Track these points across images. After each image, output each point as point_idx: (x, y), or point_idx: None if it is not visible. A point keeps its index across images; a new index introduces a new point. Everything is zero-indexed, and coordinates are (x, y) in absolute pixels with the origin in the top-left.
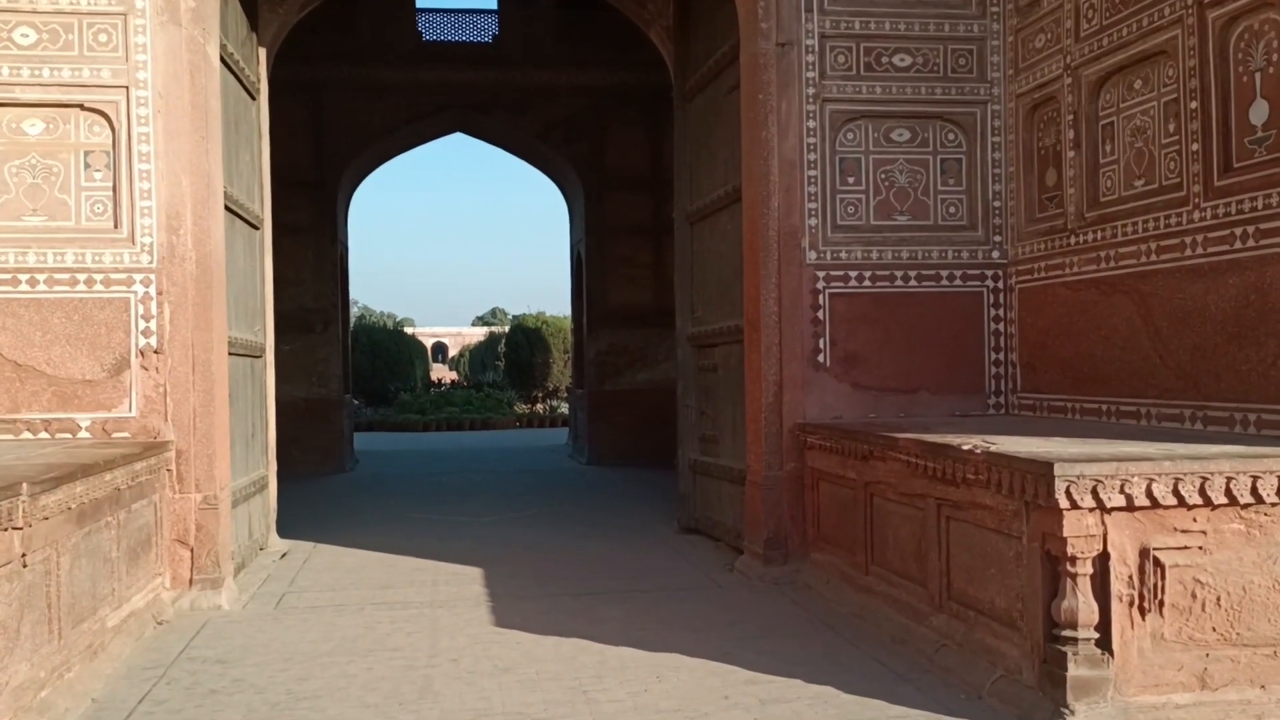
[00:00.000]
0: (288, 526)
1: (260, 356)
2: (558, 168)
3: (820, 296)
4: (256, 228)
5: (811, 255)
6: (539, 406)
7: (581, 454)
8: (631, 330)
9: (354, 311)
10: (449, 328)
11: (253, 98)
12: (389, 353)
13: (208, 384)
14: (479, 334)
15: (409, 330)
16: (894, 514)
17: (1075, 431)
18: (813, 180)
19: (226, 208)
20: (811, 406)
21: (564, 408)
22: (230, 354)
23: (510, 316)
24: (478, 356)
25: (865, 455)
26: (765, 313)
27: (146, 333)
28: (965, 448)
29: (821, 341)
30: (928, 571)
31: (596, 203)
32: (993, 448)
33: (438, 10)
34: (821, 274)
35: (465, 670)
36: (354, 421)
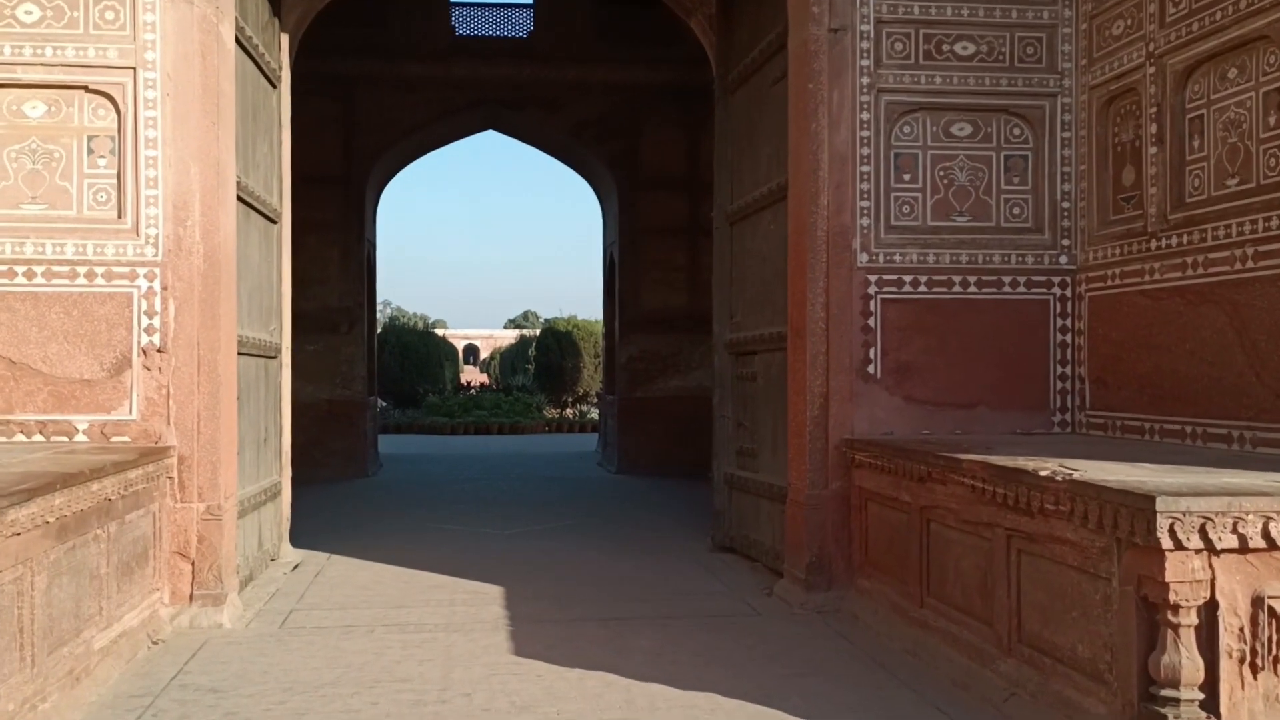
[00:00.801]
0: (303, 535)
1: (275, 357)
2: (591, 167)
3: (871, 302)
4: (274, 222)
5: (863, 258)
6: (568, 411)
7: (611, 462)
8: (664, 335)
9: (387, 313)
10: (481, 330)
11: (273, 85)
12: (418, 354)
13: (214, 386)
14: (510, 336)
15: (440, 332)
16: (955, 543)
17: (1161, 456)
18: (865, 177)
19: (240, 199)
20: (860, 421)
21: (594, 413)
22: (241, 354)
23: (542, 320)
24: (508, 359)
25: (922, 477)
26: (812, 319)
27: (149, 330)
28: (1043, 473)
29: (872, 351)
30: (994, 610)
31: (630, 203)
32: (1075, 474)
33: (472, 4)
34: (873, 278)
35: (479, 707)
36: (379, 424)
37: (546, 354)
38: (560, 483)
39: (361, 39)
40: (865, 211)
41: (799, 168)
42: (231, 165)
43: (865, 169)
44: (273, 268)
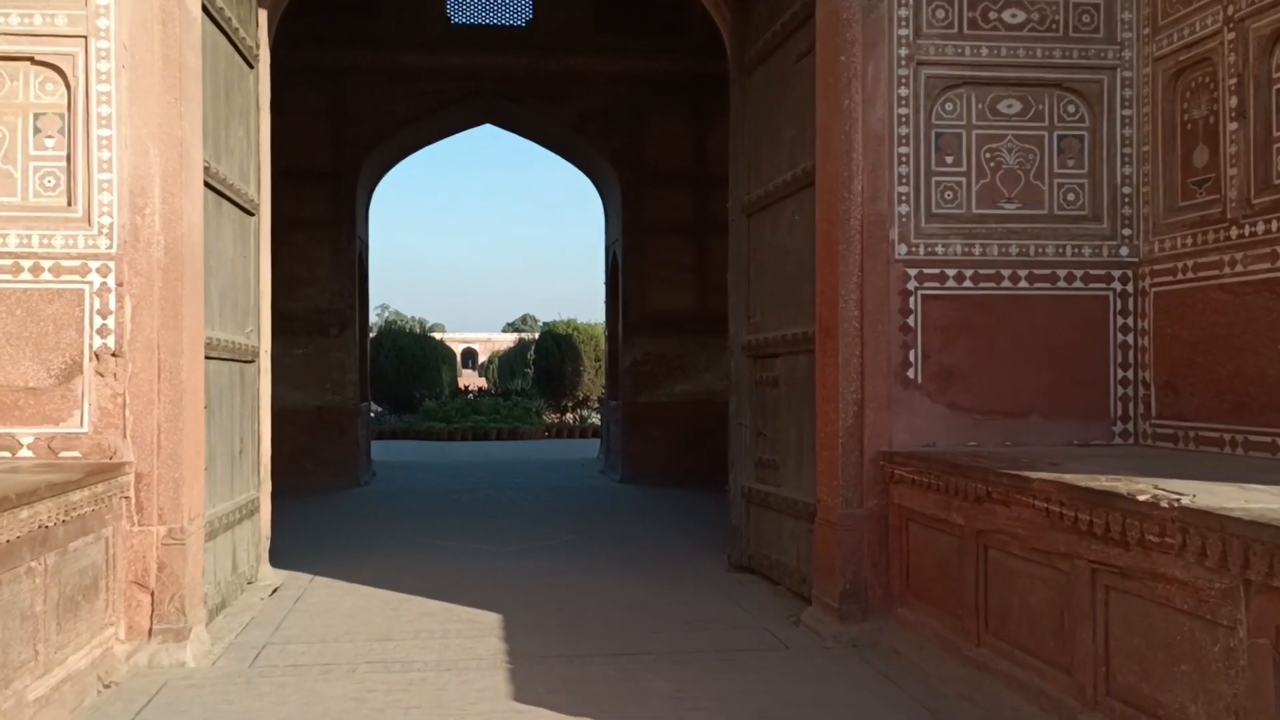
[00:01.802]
0: (286, 553)
1: (252, 361)
2: (593, 162)
3: (911, 299)
4: (251, 214)
5: (901, 249)
6: (568, 416)
7: (614, 470)
8: (670, 338)
9: (385, 316)
10: (479, 333)
11: (250, 65)
12: (414, 358)
13: (176, 393)
14: (509, 340)
15: (438, 336)
16: (1021, 574)
17: (1265, 475)
18: (904, 159)
19: (210, 186)
20: (899, 431)
21: (594, 418)
22: (211, 358)
23: (540, 323)
24: (506, 363)
25: (980, 497)
26: (844, 318)
27: (103, 331)
28: (1142, 498)
29: (912, 354)
30: (1075, 655)
31: (634, 200)
32: (1183, 499)
33: None
34: (913, 272)
35: None
36: (372, 431)
37: (546, 358)
38: (562, 493)
39: (351, 27)
40: (904, 198)
41: (829, 150)
42: (197, 147)
43: (904, 150)
44: (249, 264)
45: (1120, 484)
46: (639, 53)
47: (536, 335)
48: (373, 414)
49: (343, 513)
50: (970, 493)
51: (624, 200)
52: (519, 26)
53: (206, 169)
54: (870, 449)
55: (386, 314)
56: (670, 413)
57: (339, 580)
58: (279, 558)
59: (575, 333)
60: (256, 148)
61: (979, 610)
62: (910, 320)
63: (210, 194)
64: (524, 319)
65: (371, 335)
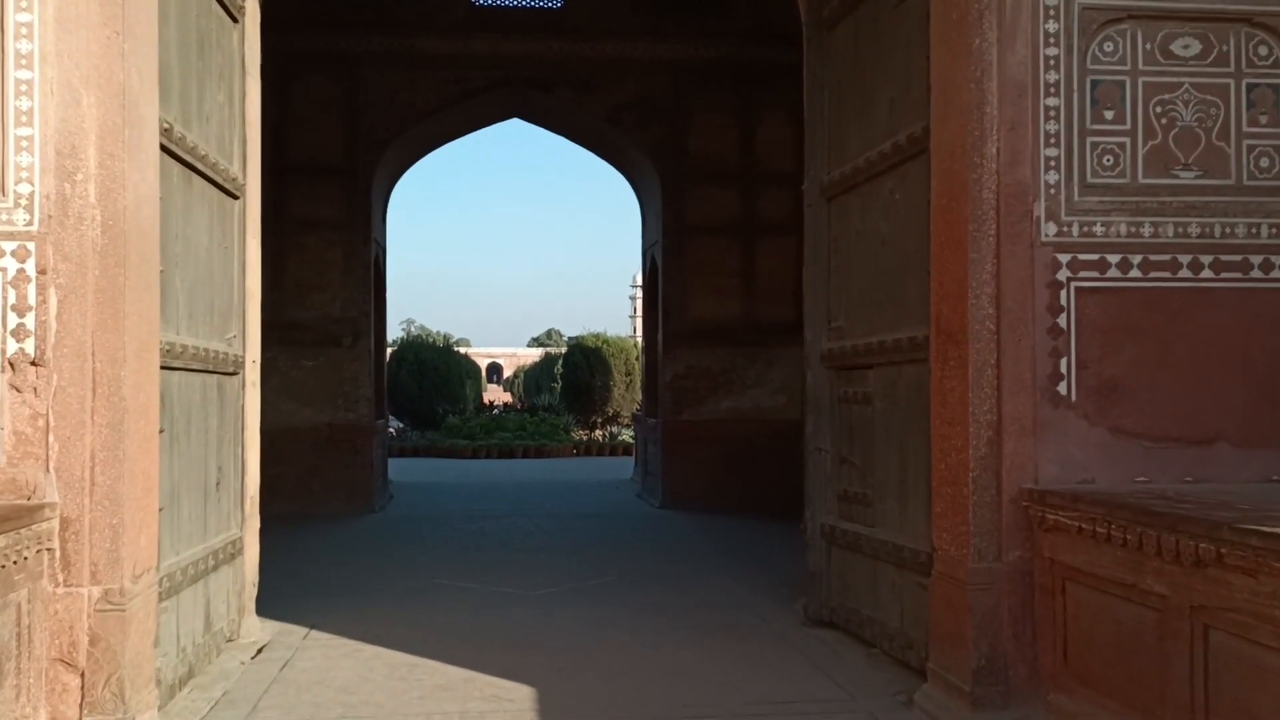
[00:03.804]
0: (282, 597)
1: (235, 374)
2: (629, 157)
3: (1062, 293)
4: (235, 196)
5: (1049, 229)
6: (598, 433)
7: (653, 495)
8: (715, 349)
9: (410, 330)
10: (504, 348)
11: (234, 19)
12: (437, 372)
13: (116, 413)
14: (534, 355)
15: (464, 350)
16: (1275, 674)
17: None
18: (1051, 114)
19: (174, 155)
20: (1046, 463)
21: (625, 435)
22: (174, 368)
23: (566, 338)
24: (532, 378)
25: (1201, 559)
26: (975, 318)
27: (19, 333)
28: None
29: (1064, 363)
30: None
31: (675, 198)
32: None
33: None
34: (1064, 258)
35: None
36: (389, 450)
37: (574, 372)
38: (596, 520)
39: (367, 10)
40: (1052, 163)
41: (951, 105)
42: (150, 100)
43: (1051, 102)
44: (232, 256)
45: None
46: (680, 38)
47: (563, 350)
48: (393, 431)
49: (352, 545)
50: (1184, 552)
51: (664, 199)
52: (550, 8)
53: (167, 131)
54: (1010, 486)
55: (412, 328)
56: (715, 432)
57: (339, 636)
58: (272, 603)
59: (604, 346)
60: (242, 119)
61: (1193, 713)
62: (1061, 320)
63: (175, 165)
64: (549, 333)
65: (393, 349)
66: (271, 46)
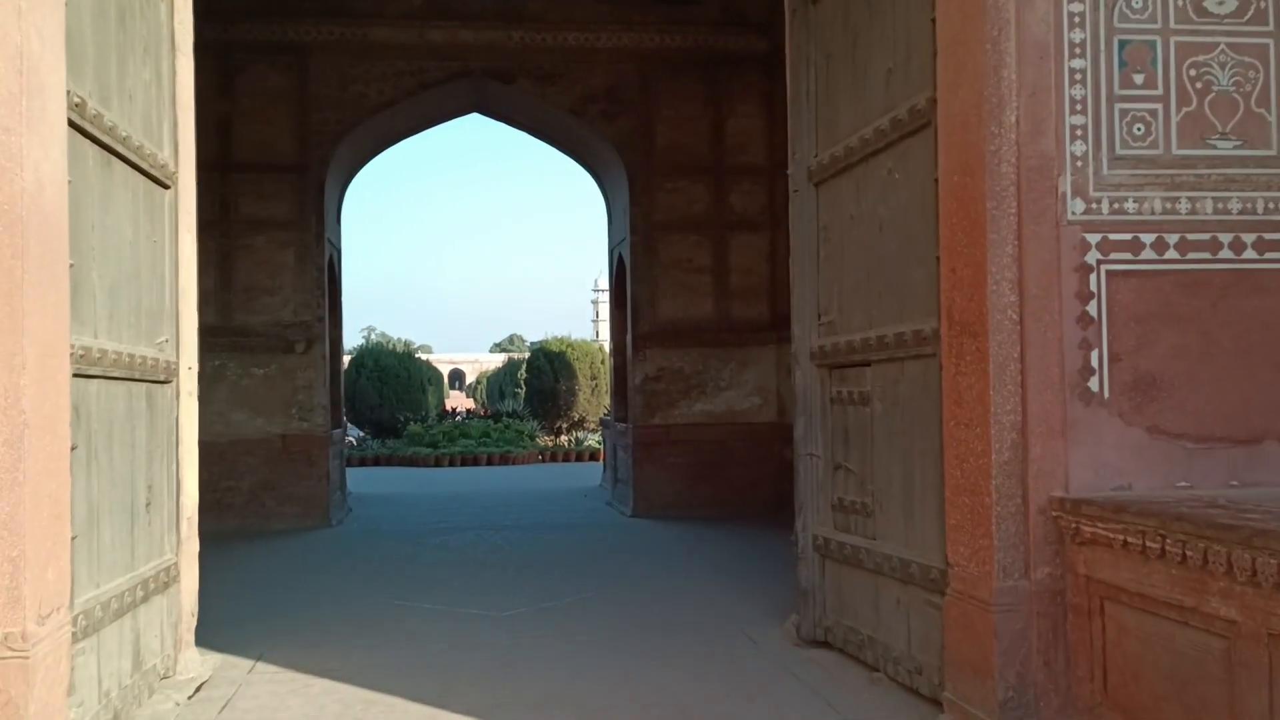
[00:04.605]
0: (228, 623)
1: (168, 381)
2: (594, 151)
3: (1092, 277)
4: (165, 186)
5: (1076, 206)
6: (564, 439)
7: (624, 503)
8: (687, 350)
9: (372, 338)
10: (467, 354)
11: None
12: (398, 379)
13: (14, 430)
14: (497, 360)
15: (425, 357)
16: None
17: None
18: (1077, 78)
19: (87, 134)
20: (1078, 467)
21: (591, 440)
22: (91, 375)
23: (529, 344)
24: (495, 383)
25: (1279, 579)
26: (995, 307)
27: None
28: None
29: (1094, 356)
30: None
31: (644, 193)
32: None
33: None
34: (1094, 238)
35: None
36: (348, 460)
37: (539, 376)
38: (568, 531)
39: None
40: (1078, 132)
41: (965, 69)
42: (55, 67)
43: (1077, 64)
44: (163, 252)
45: None
46: (646, 25)
47: (526, 355)
48: (352, 440)
49: (307, 564)
50: (1262, 571)
51: (632, 193)
52: None
53: (79, 106)
54: (1037, 494)
55: (373, 336)
56: (688, 436)
57: (287, 670)
58: (216, 632)
59: (569, 350)
60: (173, 101)
61: None
62: (1091, 308)
63: (91, 146)
64: (511, 339)
65: (351, 356)
66: (216, 36)
